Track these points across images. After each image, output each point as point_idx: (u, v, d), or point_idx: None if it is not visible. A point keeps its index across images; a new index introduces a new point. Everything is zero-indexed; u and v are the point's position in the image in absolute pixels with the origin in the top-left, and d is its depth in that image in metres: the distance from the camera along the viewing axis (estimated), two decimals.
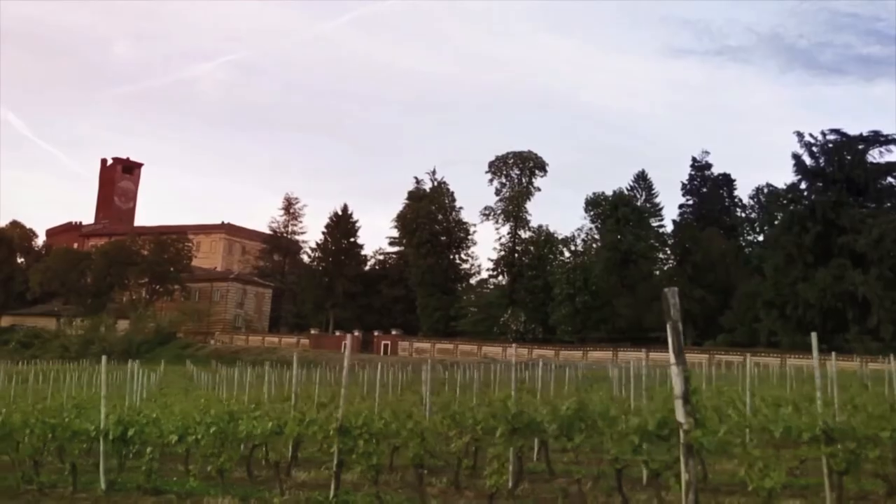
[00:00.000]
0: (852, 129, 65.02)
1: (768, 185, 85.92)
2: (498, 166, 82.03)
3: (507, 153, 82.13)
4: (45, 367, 43.31)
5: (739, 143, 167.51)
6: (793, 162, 63.13)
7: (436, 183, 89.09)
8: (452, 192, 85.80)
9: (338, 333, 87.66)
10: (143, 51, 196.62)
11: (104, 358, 9.94)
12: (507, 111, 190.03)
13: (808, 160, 62.64)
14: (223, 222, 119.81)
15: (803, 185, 63.17)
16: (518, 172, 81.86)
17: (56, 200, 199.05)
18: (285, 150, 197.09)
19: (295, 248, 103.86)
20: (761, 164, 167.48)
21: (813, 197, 60.97)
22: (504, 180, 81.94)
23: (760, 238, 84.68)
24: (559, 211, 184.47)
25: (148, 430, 8.81)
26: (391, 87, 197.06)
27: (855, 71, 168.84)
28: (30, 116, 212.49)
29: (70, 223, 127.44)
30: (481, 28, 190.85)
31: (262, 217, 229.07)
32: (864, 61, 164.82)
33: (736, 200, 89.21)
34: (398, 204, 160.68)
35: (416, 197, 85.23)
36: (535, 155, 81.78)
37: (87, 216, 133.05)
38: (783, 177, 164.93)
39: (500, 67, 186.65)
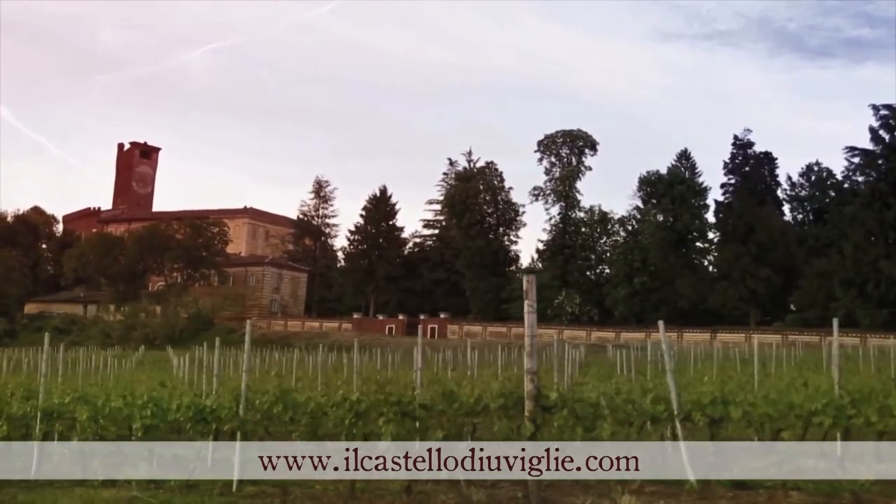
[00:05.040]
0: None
1: (818, 164, 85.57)
2: (547, 145, 79.80)
3: (557, 132, 79.65)
4: (91, 354, 39.15)
5: (739, 126, 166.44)
6: (869, 136, 61.52)
7: (473, 164, 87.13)
8: (501, 173, 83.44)
9: (380, 317, 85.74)
10: (136, 39, 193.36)
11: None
12: (502, 98, 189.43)
13: (884, 134, 60.99)
14: (246, 206, 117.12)
15: (880, 162, 61.48)
16: (567, 151, 79.85)
17: (64, 187, 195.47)
18: (296, 137, 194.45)
19: (326, 232, 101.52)
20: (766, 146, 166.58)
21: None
22: (553, 160, 79.85)
23: (810, 217, 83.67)
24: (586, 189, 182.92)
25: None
26: (402, 75, 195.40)
27: (844, 54, 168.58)
28: (26, 106, 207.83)
29: (88, 209, 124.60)
30: (471, 13, 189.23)
31: (280, 202, 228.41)
32: (852, 44, 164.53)
33: (777, 180, 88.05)
34: (425, 188, 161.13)
35: (464, 178, 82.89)
36: (585, 133, 79.38)
37: (100, 201, 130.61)
38: (799, 158, 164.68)
39: (496, 53, 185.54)
